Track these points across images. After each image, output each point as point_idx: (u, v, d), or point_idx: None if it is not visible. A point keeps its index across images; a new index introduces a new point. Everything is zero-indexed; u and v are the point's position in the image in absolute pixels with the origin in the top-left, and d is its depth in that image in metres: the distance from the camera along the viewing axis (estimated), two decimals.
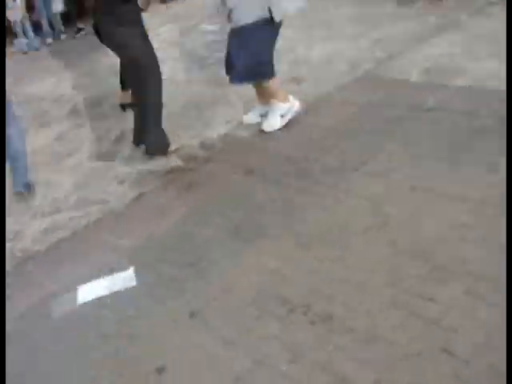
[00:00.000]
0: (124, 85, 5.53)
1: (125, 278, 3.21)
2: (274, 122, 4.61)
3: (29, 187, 4.39)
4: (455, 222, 3.02)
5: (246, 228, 3.38)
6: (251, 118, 4.80)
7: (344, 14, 7.37)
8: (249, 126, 4.74)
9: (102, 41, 4.41)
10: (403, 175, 3.55)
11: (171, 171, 4.33)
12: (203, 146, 4.62)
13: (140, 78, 4.34)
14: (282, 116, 4.63)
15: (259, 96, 4.74)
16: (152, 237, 3.52)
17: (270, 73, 4.49)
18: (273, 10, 4.21)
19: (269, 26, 4.29)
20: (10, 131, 4.25)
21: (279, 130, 4.54)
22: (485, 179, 3.35)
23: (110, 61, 7.99)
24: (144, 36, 4.44)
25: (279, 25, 4.34)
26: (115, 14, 4.23)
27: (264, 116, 4.70)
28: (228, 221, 3.49)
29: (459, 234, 2.94)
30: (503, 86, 4.44)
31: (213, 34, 7.65)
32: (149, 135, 4.53)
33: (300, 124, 4.59)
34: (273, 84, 4.55)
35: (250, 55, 4.35)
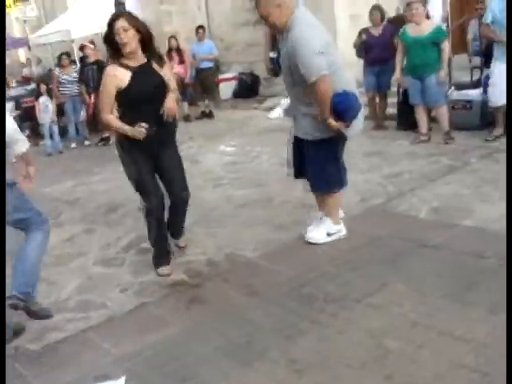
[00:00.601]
0: None
1: None
2: (318, 237, 4.68)
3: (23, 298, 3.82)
4: (455, 363, 2.98)
5: (243, 349, 3.35)
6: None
7: (359, 148, 7.61)
8: (257, 246, 4.79)
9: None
10: (405, 310, 3.54)
11: (175, 284, 4.35)
12: (210, 263, 4.66)
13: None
14: (328, 235, 4.70)
15: (319, 204, 4.90)
16: (148, 347, 3.49)
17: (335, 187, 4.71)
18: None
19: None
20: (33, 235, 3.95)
21: (287, 255, 4.59)
22: (487, 320, 3.33)
23: None
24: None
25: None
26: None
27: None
28: (226, 340, 3.46)
29: (459, 374, 2.89)
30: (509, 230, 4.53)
31: (231, 155, 7.90)
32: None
33: (307, 250, 4.64)
34: (334, 199, 4.74)
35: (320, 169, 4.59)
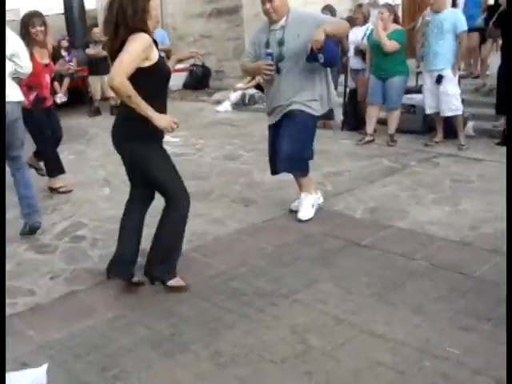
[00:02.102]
0: None
1: (36, 375, 3.10)
2: (308, 213, 5.08)
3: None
4: (373, 360, 3.04)
5: (167, 341, 3.35)
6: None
7: None
8: (191, 238, 4.78)
9: None
10: (331, 307, 3.59)
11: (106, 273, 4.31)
12: (142, 252, 4.61)
13: None
14: (312, 206, 5.13)
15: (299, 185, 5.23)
16: (72, 336, 3.46)
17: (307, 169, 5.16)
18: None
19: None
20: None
21: (220, 248, 4.61)
22: (409, 320, 3.41)
23: (70, 158, 8.15)
24: None
25: None
26: None
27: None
28: (151, 332, 3.46)
29: (375, 372, 2.95)
30: (441, 232, 4.65)
31: (175, 146, 7.84)
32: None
33: (240, 244, 4.67)
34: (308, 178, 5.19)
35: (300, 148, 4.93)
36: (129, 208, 4.08)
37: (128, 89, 3.41)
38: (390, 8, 7.89)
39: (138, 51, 3.47)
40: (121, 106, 3.77)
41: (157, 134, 3.72)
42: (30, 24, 5.87)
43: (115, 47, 3.55)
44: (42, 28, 5.93)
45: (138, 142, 3.69)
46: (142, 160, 3.75)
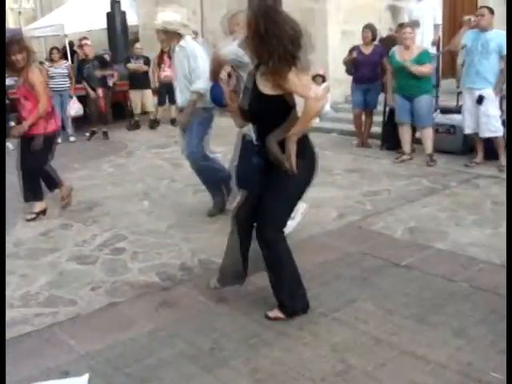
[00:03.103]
0: None
1: None
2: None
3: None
4: (414, 382, 3.02)
5: (206, 356, 3.36)
6: None
7: (341, 164, 7.68)
8: None
9: None
10: (370, 327, 3.57)
11: (146, 286, 4.36)
12: (183, 267, 4.67)
13: None
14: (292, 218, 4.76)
15: None
16: (112, 347, 3.50)
17: None
18: None
19: None
20: None
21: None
22: (450, 343, 3.37)
23: (110, 171, 8.28)
24: None
25: None
26: None
27: None
28: (190, 346, 3.48)
29: None
30: (481, 254, 4.59)
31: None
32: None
33: None
34: None
35: None
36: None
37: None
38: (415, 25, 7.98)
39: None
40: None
41: None
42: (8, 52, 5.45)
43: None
44: (22, 55, 5.54)
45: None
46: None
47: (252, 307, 3.91)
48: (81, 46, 11.76)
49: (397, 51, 7.77)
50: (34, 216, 6.00)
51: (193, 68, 5.59)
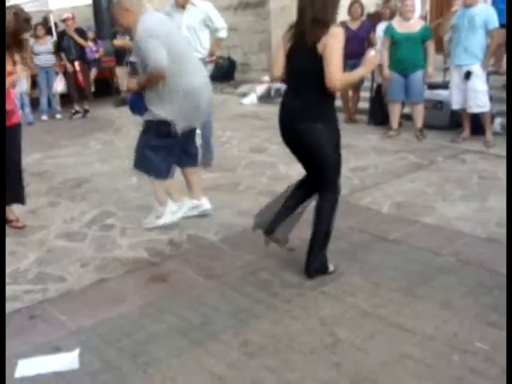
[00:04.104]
0: None
1: (68, 360, 3.19)
2: (149, 222, 5.07)
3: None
4: (401, 353, 3.07)
5: (197, 329, 3.40)
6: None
7: None
8: (219, 230, 4.85)
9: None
10: (359, 300, 3.62)
11: (135, 262, 4.38)
12: (171, 243, 4.69)
13: None
14: (157, 217, 5.01)
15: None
16: (103, 322, 3.53)
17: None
18: None
19: None
20: None
21: (247, 240, 4.63)
22: (437, 315, 3.43)
23: (97, 147, 8.25)
24: None
25: None
26: None
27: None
28: (180, 320, 3.51)
29: (403, 365, 2.98)
30: (467, 228, 4.64)
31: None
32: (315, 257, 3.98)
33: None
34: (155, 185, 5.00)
35: None
36: (298, 185, 4.16)
37: (347, 81, 3.87)
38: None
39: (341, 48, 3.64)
40: (305, 88, 3.79)
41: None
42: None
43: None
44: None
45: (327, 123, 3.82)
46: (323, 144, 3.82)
47: (241, 282, 3.95)
48: (64, 21, 11.68)
49: (395, 24, 7.74)
50: None
51: None
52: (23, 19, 4.88)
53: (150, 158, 4.79)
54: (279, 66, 3.88)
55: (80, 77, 11.03)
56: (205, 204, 5.19)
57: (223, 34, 6.84)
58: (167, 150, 4.80)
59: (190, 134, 5.03)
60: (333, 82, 3.59)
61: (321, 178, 3.92)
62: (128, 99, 5.02)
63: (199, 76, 4.84)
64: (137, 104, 4.83)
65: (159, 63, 4.49)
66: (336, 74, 3.57)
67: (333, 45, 3.57)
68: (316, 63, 3.62)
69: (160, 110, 4.67)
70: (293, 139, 3.90)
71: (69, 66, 10.99)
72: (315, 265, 3.93)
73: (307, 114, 3.75)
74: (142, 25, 4.55)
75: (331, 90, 3.65)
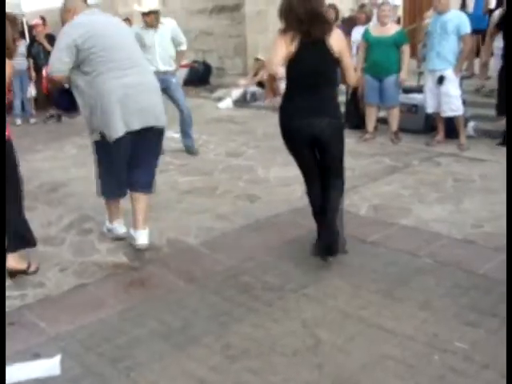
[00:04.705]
0: None
1: (49, 366, 3.16)
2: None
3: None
4: (382, 354, 3.10)
5: (178, 334, 3.40)
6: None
7: None
8: (199, 233, 4.85)
9: None
10: (339, 302, 3.65)
11: (115, 267, 4.36)
12: (151, 247, 4.67)
13: None
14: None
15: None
16: (83, 328, 3.50)
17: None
18: None
19: None
20: None
21: (227, 243, 4.66)
22: (416, 316, 3.47)
23: (73, 152, 8.18)
24: None
25: None
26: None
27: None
28: (161, 324, 3.51)
29: (385, 365, 3.01)
30: (444, 230, 4.71)
31: (178, 142, 7.86)
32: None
33: (247, 240, 4.72)
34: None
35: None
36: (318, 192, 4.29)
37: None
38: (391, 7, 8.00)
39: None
40: (321, 85, 4.02)
41: None
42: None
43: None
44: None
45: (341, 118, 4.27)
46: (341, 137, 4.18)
47: (221, 285, 3.95)
48: (34, 26, 11.60)
49: (371, 28, 7.82)
50: None
51: None
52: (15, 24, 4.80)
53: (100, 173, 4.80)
54: (279, 61, 3.95)
55: (46, 83, 10.94)
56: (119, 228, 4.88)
57: (185, 47, 7.58)
58: (108, 164, 4.70)
59: (137, 152, 4.59)
60: (352, 81, 4.34)
61: (336, 168, 4.21)
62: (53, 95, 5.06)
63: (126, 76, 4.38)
64: (61, 99, 4.86)
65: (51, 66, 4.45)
66: (354, 75, 4.33)
67: (346, 48, 4.05)
68: (330, 62, 3.95)
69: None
70: (312, 136, 4.03)
71: (33, 74, 11.04)
72: (342, 242, 4.21)
73: (327, 110, 4.03)
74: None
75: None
